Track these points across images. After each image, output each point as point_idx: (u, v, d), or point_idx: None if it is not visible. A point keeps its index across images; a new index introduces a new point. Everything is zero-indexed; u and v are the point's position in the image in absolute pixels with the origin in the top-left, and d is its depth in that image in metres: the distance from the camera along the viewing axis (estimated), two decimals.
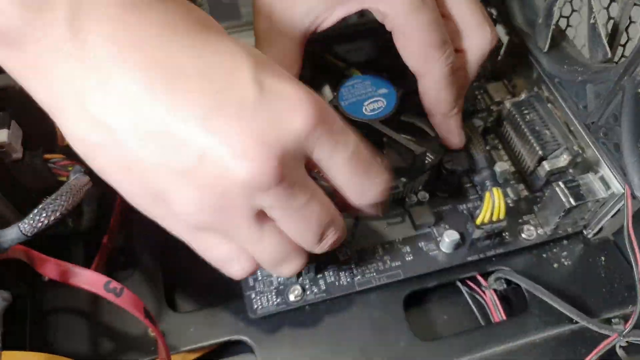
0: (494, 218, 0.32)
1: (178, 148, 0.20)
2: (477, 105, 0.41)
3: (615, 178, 0.32)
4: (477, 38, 0.32)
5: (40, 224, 0.23)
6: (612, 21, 0.31)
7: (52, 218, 0.23)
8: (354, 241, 0.35)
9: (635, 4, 0.29)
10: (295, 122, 0.21)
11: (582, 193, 0.33)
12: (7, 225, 0.28)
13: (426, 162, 0.33)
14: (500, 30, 0.40)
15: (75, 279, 0.25)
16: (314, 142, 0.22)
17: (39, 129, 0.33)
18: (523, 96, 0.39)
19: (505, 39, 0.40)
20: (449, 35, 0.30)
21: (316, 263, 0.33)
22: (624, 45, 0.31)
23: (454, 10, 0.31)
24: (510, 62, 0.41)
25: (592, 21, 0.30)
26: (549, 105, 0.36)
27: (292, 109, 0.21)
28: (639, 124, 0.28)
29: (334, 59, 0.37)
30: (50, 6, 0.19)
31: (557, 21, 0.35)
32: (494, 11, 0.40)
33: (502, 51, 0.41)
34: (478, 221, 0.32)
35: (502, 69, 0.42)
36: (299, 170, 0.23)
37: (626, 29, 0.30)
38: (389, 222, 0.36)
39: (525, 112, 0.37)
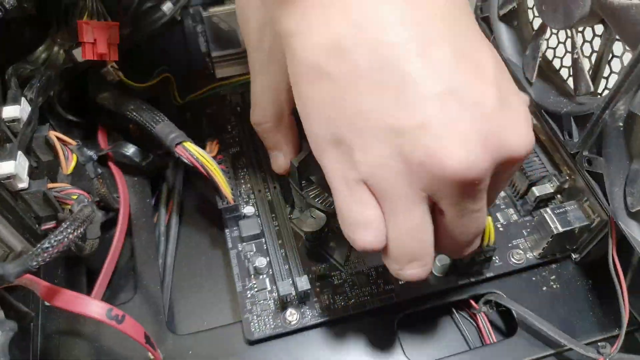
0: (484, 243, 0.33)
1: (403, 106, 0.21)
2: None
3: (600, 205, 0.33)
4: None
5: (45, 257, 0.24)
6: (595, 54, 0.32)
7: (57, 251, 0.24)
8: (349, 265, 0.36)
9: (616, 39, 0.30)
10: (515, 143, 0.22)
11: (570, 219, 0.34)
12: (13, 251, 0.30)
13: None
14: None
15: (79, 307, 0.26)
16: (514, 167, 0.23)
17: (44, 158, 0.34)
18: None
19: None
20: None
21: (311, 287, 0.34)
22: (607, 78, 0.32)
23: None
24: None
25: (575, 56, 0.31)
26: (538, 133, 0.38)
27: (519, 130, 0.22)
28: (620, 156, 0.29)
29: None
30: None
31: (544, 53, 0.36)
32: None
33: None
34: None
35: None
36: (488, 181, 0.23)
37: (609, 62, 0.31)
38: None
39: None
